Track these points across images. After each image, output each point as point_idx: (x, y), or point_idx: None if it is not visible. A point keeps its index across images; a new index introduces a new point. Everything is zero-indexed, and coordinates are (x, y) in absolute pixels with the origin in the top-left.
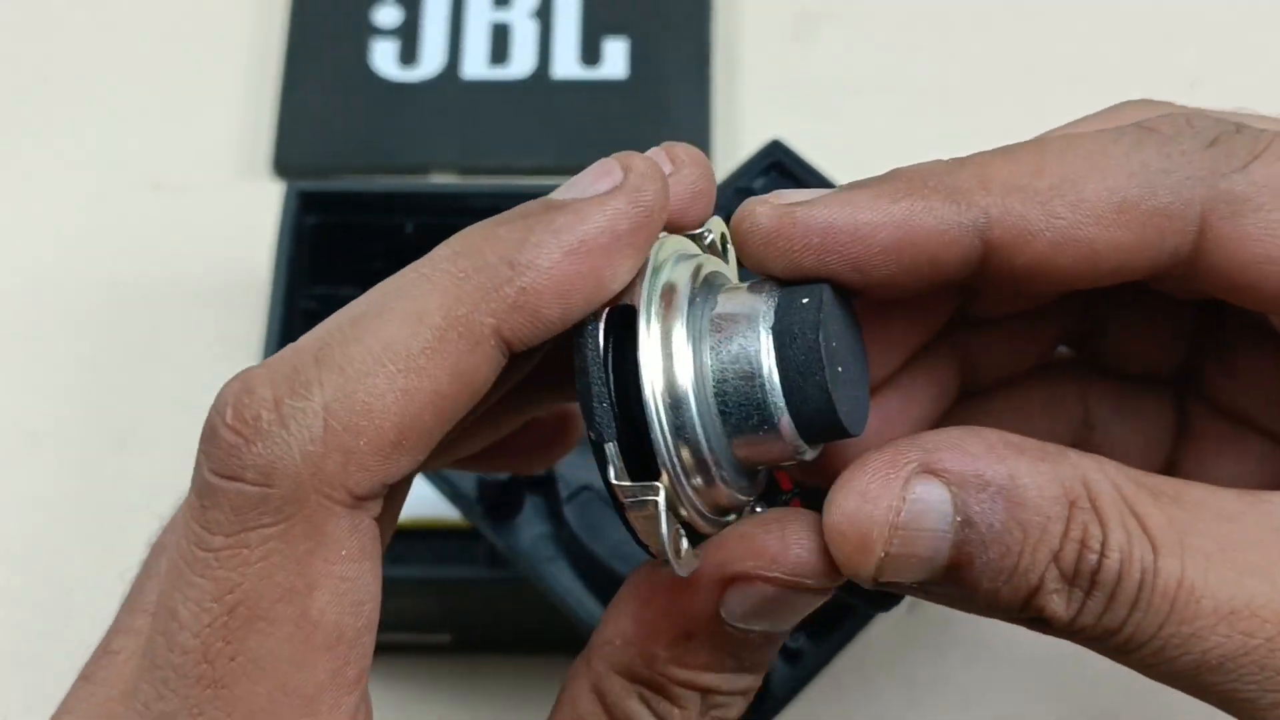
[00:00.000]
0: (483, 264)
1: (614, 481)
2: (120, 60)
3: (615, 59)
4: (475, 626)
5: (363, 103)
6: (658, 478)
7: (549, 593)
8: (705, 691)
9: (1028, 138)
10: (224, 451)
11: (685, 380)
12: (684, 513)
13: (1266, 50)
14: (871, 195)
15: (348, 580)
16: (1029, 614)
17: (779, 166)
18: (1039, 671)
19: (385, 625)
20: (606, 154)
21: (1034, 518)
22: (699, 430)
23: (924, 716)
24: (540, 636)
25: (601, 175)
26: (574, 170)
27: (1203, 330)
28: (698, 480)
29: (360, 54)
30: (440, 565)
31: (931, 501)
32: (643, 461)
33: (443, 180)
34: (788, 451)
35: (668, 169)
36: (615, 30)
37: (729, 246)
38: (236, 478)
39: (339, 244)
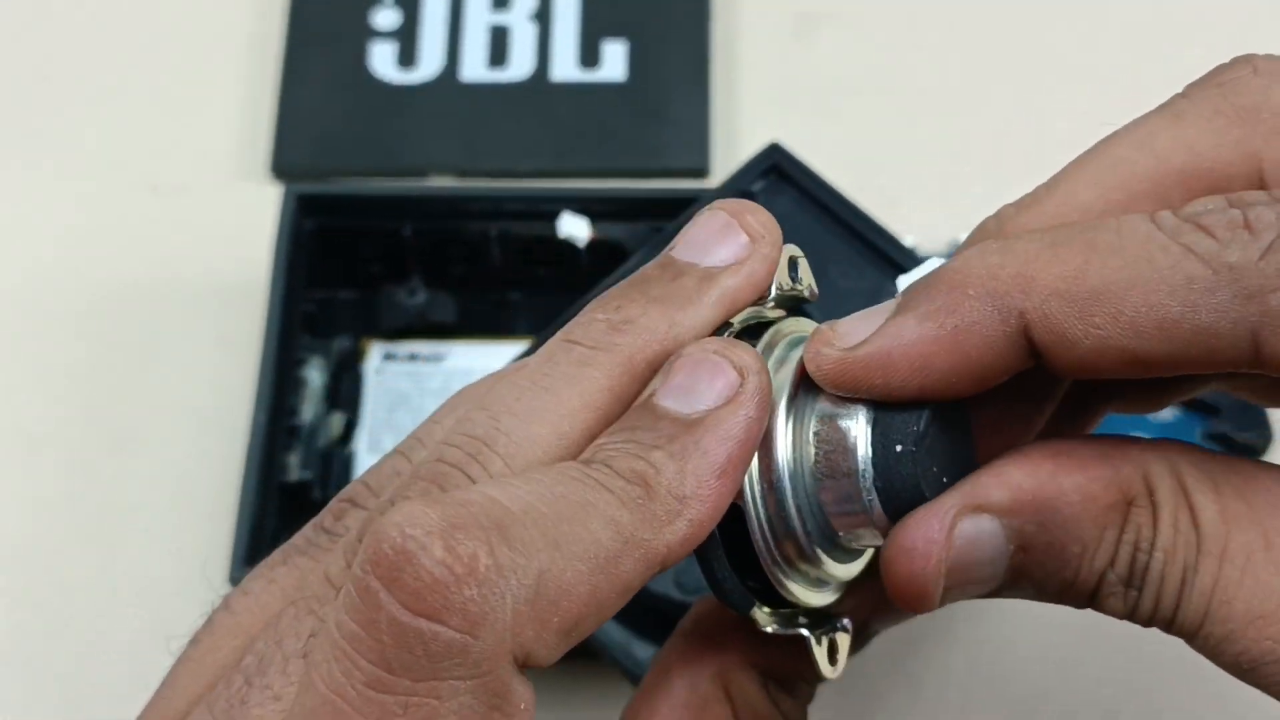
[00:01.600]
0: (655, 495)
1: (768, 631)
2: (119, 62)
3: (614, 61)
4: None
5: (361, 105)
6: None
7: None
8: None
9: (1027, 136)
10: (426, 586)
11: (794, 522)
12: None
13: (1267, 50)
14: (917, 322)
15: None
16: (1092, 607)
17: (778, 170)
18: (1039, 672)
19: None
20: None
21: (1089, 531)
22: (806, 569)
23: (924, 716)
24: None
25: (719, 381)
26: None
27: None
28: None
29: (359, 56)
30: None
31: (982, 535)
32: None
33: (441, 183)
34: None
35: (741, 244)
36: (614, 32)
37: (799, 265)
38: (438, 619)
39: (337, 247)
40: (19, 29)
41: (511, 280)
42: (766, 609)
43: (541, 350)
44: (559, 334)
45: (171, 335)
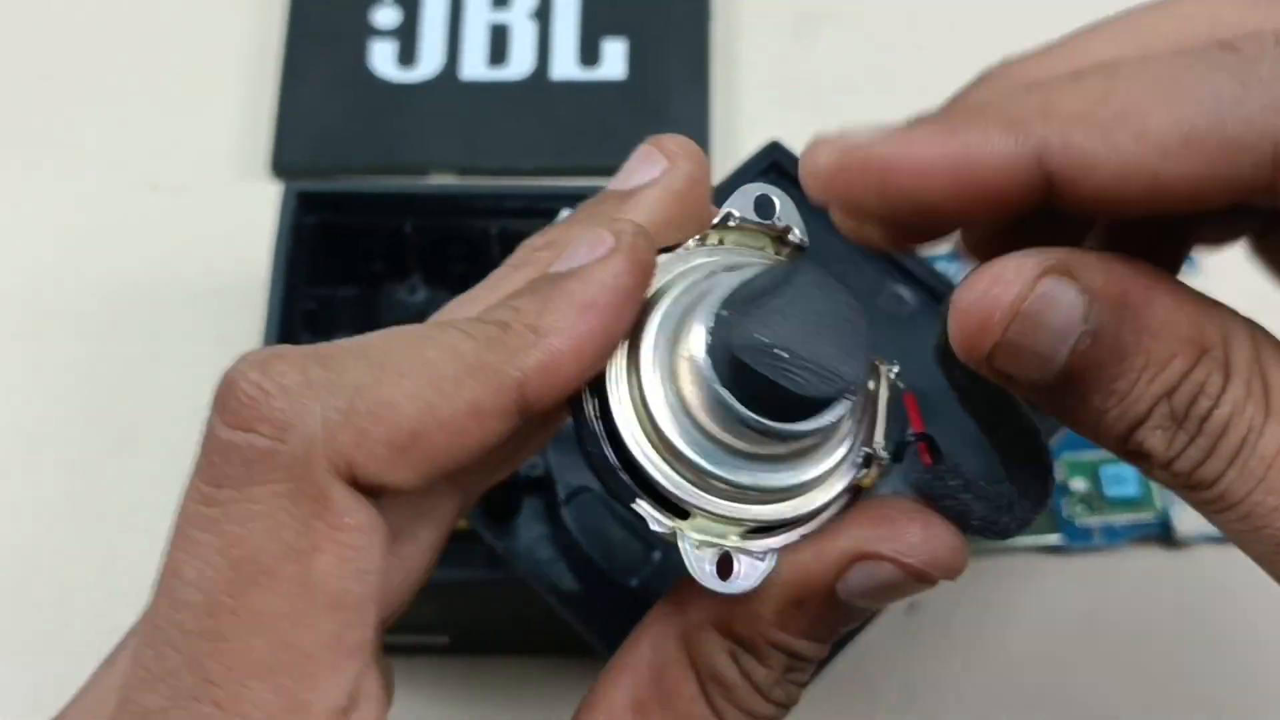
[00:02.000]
0: (510, 327)
1: (655, 530)
2: (119, 61)
3: (614, 60)
4: (473, 628)
5: (361, 103)
6: (688, 516)
7: (547, 594)
8: (793, 655)
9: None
10: (241, 404)
11: (665, 421)
12: (730, 535)
13: None
14: (928, 130)
15: (352, 548)
16: (1129, 446)
17: (778, 168)
18: (1038, 672)
19: None
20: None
21: (1160, 347)
22: (700, 460)
23: (923, 716)
24: (538, 638)
25: (595, 244)
26: (572, 171)
27: None
28: (728, 494)
29: (359, 55)
30: (438, 567)
31: (1062, 300)
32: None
33: (441, 181)
34: (777, 431)
35: (660, 165)
36: (614, 31)
37: (775, 206)
38: (250, 429)
39: (338, 245)
40: (19, 28)
41: None
42: (656, 509)
43: None
44: None
45: (172, 334)
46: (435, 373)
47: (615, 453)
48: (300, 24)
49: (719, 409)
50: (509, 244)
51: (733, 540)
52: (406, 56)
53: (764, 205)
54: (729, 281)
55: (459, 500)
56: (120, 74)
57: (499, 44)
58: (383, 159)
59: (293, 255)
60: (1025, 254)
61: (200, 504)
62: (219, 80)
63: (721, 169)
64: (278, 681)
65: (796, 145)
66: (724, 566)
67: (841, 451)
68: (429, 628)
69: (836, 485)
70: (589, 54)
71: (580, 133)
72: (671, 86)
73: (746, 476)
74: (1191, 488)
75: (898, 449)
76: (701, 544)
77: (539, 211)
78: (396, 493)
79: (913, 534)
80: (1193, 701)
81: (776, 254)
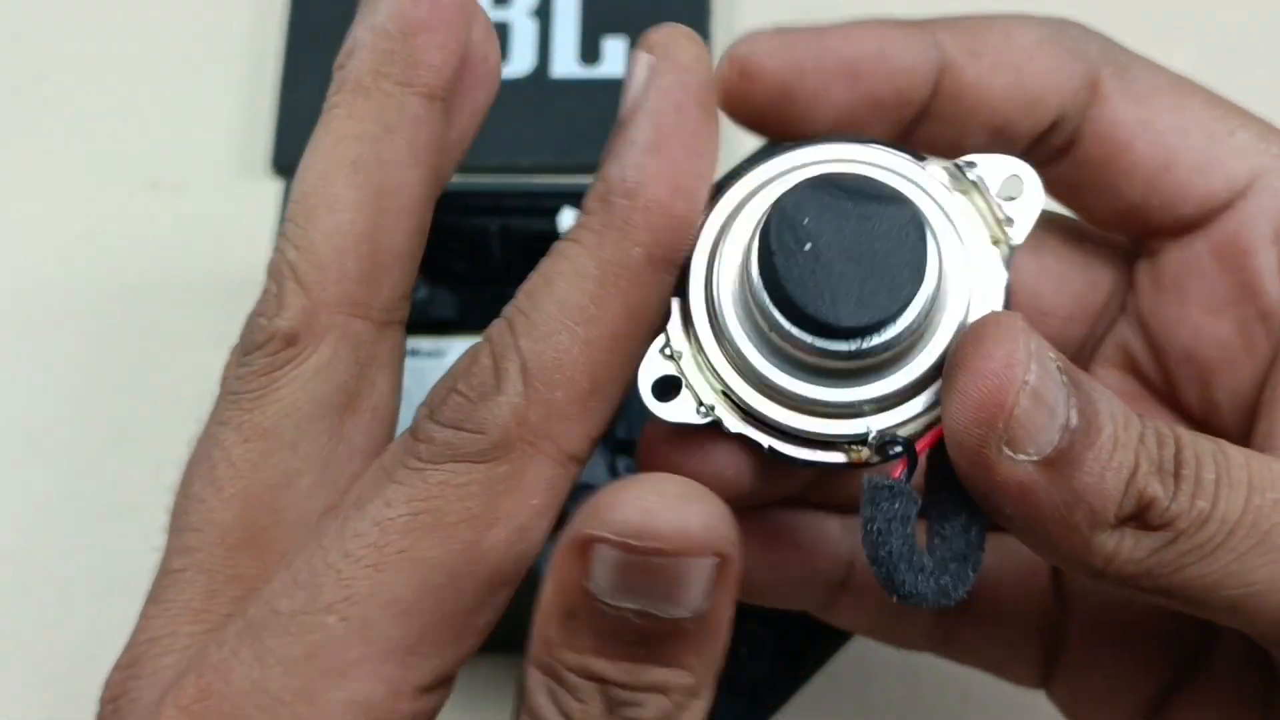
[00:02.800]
0: (608, 213)
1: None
2: (117, 57)
3: (615, 58)
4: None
5: None
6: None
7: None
8: (600, 682)
9: None
10: (453, 409)
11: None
12: (712, 386)
13: (1266, 49)
14: (856, 26)
15: (526, 530)
16: (1129, 507)
17: None
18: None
19: None
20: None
21: (1117, 405)
22: (727, 308)
23: (923, 713)
24: None
25: (637, 70)
26: (573, 169)
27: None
28: (730, 358)
29: None
30: None
31: (1047, 354)
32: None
33: None
34: (805, 343)
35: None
36: (615, 29)
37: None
38: (458, 428)
39: None
40: (19, 27)
41: (513, 276)
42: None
43: None
44: None
45: (172, 332)
46: (574, 309)
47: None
48: (301, 21)
49: (744, 270)
50: (509, 242)
51: (706, 394)
52: None
53: (1010, 184)
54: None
55: None
56: (120, 72)
57: (499, 42)
58: None
59: None
60: (1003, 328)
61: (400, 462)
62: (219, 78)
63: (722, 167)
64: (408, 624)
65: None
66: (668, 391)
67: (876, 392)
68: None
69: (837, 429)
70: (589, 52)
71: (580, 131)
72: None
73: (749, 352)
74: (1193, 532)
75: (882, 446)
76: (665, 373)
77: (539, 210)
78: (596, 442)
79: (602, 501)
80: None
81: (989, 230)
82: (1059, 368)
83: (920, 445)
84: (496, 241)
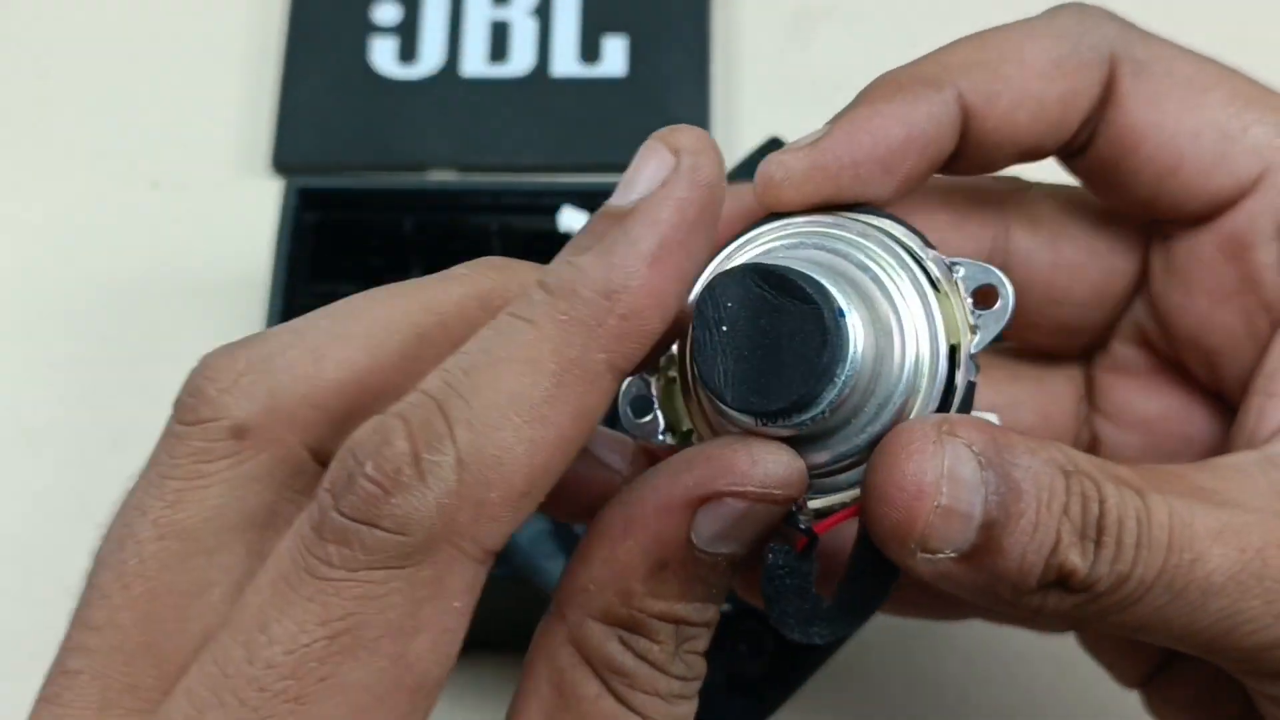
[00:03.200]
0: (578, 300)
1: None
2: (119, 56)
3: (614, 57)
4: (472, 626)
5: (362, 100)
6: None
7: (547, 590)
8: (679, 623)
9: None
10: (362, 499)
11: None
12: (677, 417)
13: (1265, 48)
14: (868, 107)
15: (449, 632)
16: (1050, 577)
17: None
18: (1036, 668)
19: None
20: (604, 151)
21: (1043, 479)
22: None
23: (923, 712)
24: None
25: (654, 166)
26: (572, 168)
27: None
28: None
29: (359, 51)
30: None
31: (964, 459)
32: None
33: (442, 177)
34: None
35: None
36: (614, 28)
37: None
38: (372, 524)
39: (338, 241)
40: (20, 25)
41: None
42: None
43: None
44: None
45: (173, 330)
46: (525, 405)
47: None
48: (301, 21)
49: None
50: (509, 240)
51: (673, 421)
52: (407, 53)
53: (985, 294)
54: (797, 255)
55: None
56: (121, 71)
57: (499, 41)
58: (383, 156)
59: (293, 251)
60: (915, 428)
61: (305, 571)
62: (220, 77)
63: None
64: None
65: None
66: (643, 408)
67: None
68: None
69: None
70: (589, 51)
71: (580, 129)
72: (671, 83)
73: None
74: (1110, 592)
75: (790, 515)
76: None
77: (539, 208)
78: (506, 540)
79: (740, 461)
80: None
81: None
82: (980, 463)
83: (821, 527)
84: (496, 240)
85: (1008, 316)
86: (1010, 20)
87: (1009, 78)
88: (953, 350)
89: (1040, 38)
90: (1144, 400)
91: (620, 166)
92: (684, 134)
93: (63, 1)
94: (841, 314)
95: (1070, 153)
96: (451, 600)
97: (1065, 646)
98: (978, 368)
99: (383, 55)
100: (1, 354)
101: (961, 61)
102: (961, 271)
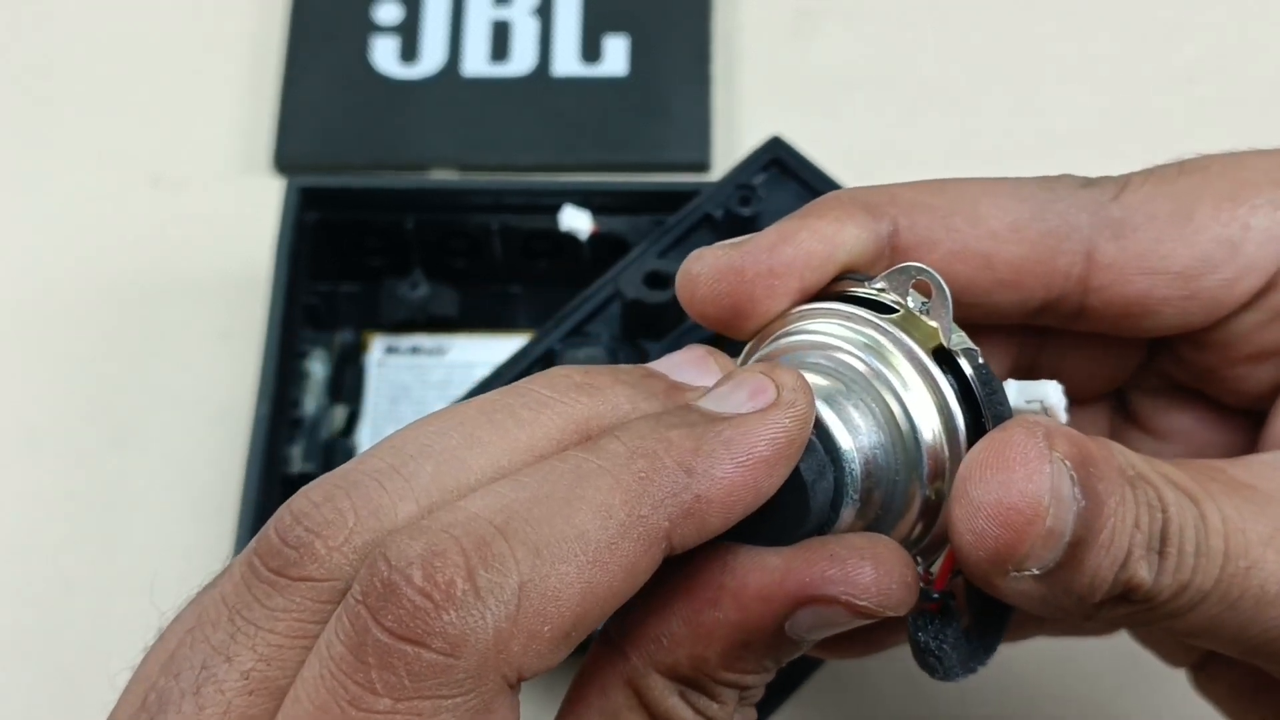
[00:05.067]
0: (660, 467)
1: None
2: (120, 54)
3: (615, 56)
4: None
5: (363, 99)
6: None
7: None
8: (743, 688)
9: (1027, 132)
10: (408, 613)
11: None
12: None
13: (1265, 47)
14: (799, 220)
15: None
16: (1117, 591)
17: (779, 163)
18: (1037, 668)
19: None
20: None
21: (1116, 487)
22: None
23: (923, 712)
24: None
25: (756, 392)
26: (573, 168)
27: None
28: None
29: (361, 51)
30: None
31: (1062, 475)
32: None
33: (443, 177)
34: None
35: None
36: (615, 28)
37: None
38: (420, 643)
39: (339, 240)
40: (20, 23)
41: (513, 274)
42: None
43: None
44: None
45: (173, 328)
46: (590, 549)
47: None
48: (302, 20)
49: None
50: (510, 239)
51: None
52: (408, 53)
53: (921, 286)
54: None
55: None
56: (122, 69)
57: (500, 40)
58: (385, 155)
59: (295, 250)
60: (1023, 434)
61: (347, 703)
62: (221, 75)
63: (723, 164)
64: None
65: (798, 140)
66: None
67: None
68: None
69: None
70: (590, 50)
71: (581, 129)
72: (673, 83)
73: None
74: (1171, 601)
75: (924, 593)
76: None
77: (540, 208)
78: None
79: (864, 574)
80: (1191, 698)
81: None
82: (1071, 478)
83: (940, 583)
84: (497, 239)
85: (948, 294)
86: (1010, 20)
87: (954, 230)
88: (938, 352)
89: (999, 197)
90: (1166, 418)
91: (621, 166)
92: (785, 375)
93: (65, 1)
94: (822, 468)
95: (1062, 320)
96: None
97: (1066, 646)
98: (976, 348)
99: (384, 54)
100: (2, 351)
101: (910, 200)
102: (882, 284)
